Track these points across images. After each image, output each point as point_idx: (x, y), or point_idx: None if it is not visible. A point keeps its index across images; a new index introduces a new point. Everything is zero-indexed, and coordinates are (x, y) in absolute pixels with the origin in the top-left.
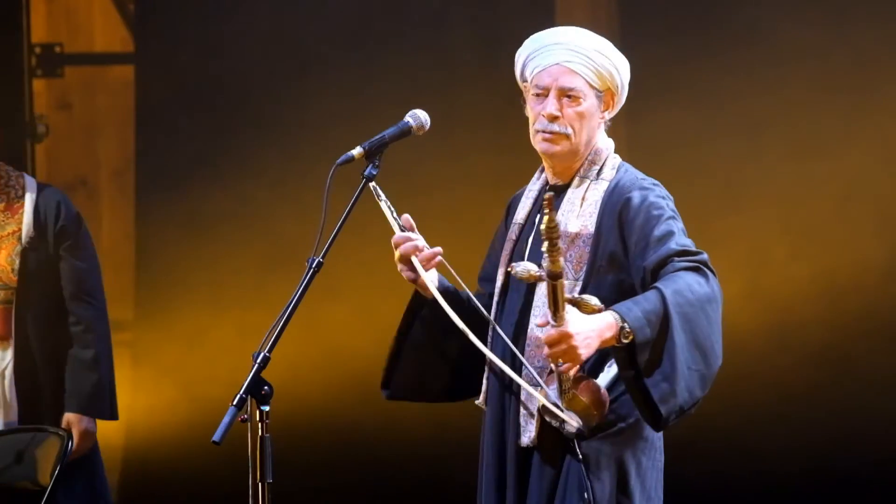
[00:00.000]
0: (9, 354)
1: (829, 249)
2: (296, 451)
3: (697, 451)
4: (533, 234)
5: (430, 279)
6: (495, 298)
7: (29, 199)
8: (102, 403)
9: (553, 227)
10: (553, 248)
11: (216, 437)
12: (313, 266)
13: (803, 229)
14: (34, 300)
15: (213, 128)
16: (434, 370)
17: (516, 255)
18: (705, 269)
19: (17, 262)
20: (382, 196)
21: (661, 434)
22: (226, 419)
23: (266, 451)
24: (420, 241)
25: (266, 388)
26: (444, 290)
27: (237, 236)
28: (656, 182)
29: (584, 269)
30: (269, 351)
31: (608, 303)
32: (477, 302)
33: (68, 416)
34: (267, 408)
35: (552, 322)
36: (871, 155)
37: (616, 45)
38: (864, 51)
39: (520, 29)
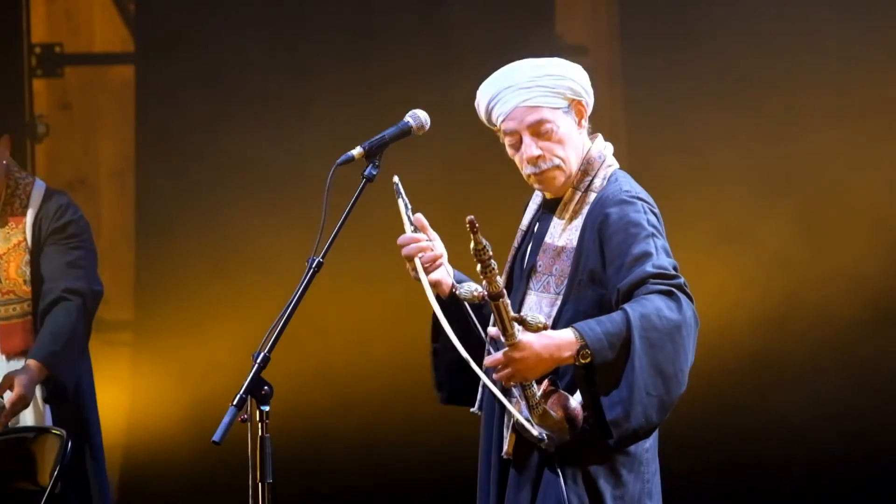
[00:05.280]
0: None
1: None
2: (296, 451)
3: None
4: (532, 240)
5: (442, 280)
6: None
7: (31, 208)
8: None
9: (480, 250)
10: (486, 269)
11: (216, 437)
12: (313, 266)
13: (819, 227)
14: None
15: (212, 128)
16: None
17: (518, 261)
18: (680, 293)
19: (28, 272)
20: (402, 192)
21: (649, 446)
22: (226, 419)
23: (266, 451)
24: (425, 242)
25: (266, 388)
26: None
27: (237, 236)
28: (640, 195)
29: (566, 283)
30: (269, 351)
31: (588, 318)
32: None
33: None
34: (267, 408)
35: (503, 340)
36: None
37: (616, 42)
38: (869, 53)
39: (520, 28)
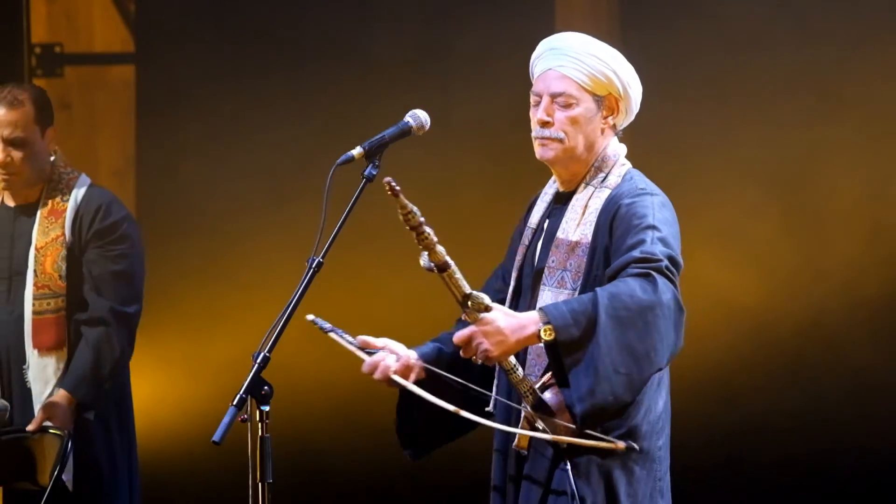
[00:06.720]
0: (63, 364)
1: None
2: (296, 451)
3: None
4: (542, 238)
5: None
6: (507, 302)
7: (72, 203)
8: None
9: (407, 213)
10: (420, 236)
11: (216, 437)
12: (313, 266)
13: (811, 225)
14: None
15: (212, 127)
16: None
17: (528, 259)
18: (658, 275)
19: (64, 267)
20: (334, 329)
21: (662, 444)
22: (226, 419)
23: (266, 451)
24: (387, 358)
25: (266, 388)
26: (430, 359)
27: (237, 236)
28: (654, 191)
29: (581, 278)
30: (269, 351)
31: None
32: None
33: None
34: (267, 408)
35: (464, 315)
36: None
37: (616, 43)
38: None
39: (520, 30)
